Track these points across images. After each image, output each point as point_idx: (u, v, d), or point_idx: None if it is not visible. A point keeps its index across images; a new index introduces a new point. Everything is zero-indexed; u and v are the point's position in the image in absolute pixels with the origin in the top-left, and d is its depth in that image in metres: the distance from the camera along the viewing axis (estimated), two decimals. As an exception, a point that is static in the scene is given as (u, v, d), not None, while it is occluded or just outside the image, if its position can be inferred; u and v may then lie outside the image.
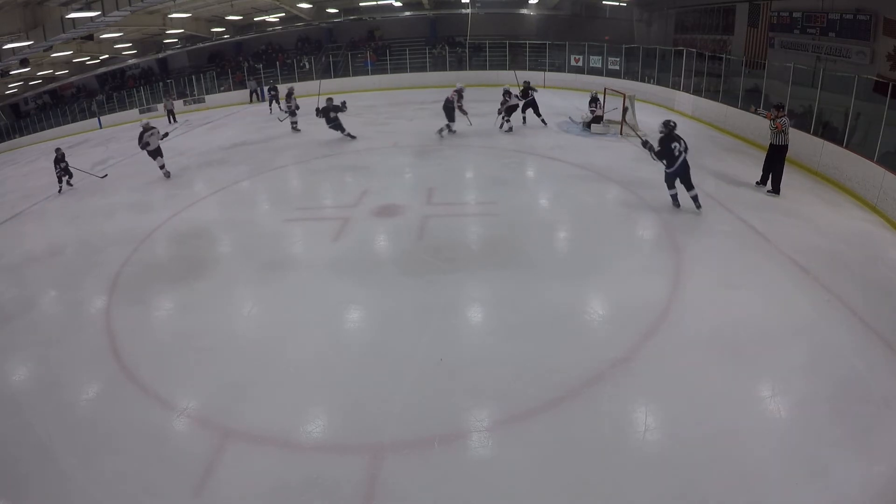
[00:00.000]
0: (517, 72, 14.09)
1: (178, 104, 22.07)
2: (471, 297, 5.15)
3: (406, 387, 3.91)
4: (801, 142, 8.80)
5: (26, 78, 23.31)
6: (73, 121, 24.47)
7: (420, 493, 3.08)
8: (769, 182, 7.52)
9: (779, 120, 7.22)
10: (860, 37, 10.10)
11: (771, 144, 7.43)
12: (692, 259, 5.54)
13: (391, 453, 3.35)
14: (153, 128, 10.30)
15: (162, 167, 10.40)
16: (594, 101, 11.80)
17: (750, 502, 2.91)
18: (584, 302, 4.94)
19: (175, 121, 18.69)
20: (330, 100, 11.46)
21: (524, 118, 12.18)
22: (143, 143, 10.07)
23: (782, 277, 5.16)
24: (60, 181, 10.60)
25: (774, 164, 7.43)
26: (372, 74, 21.22)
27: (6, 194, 11.32)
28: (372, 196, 7.95)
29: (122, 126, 21.52)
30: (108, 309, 5.43)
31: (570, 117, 12.79)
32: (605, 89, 12.44)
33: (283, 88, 19.46)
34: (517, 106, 11.80)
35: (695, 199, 6.77)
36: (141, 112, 23.01)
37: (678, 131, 6.88)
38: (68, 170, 10.67)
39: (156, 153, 10.26)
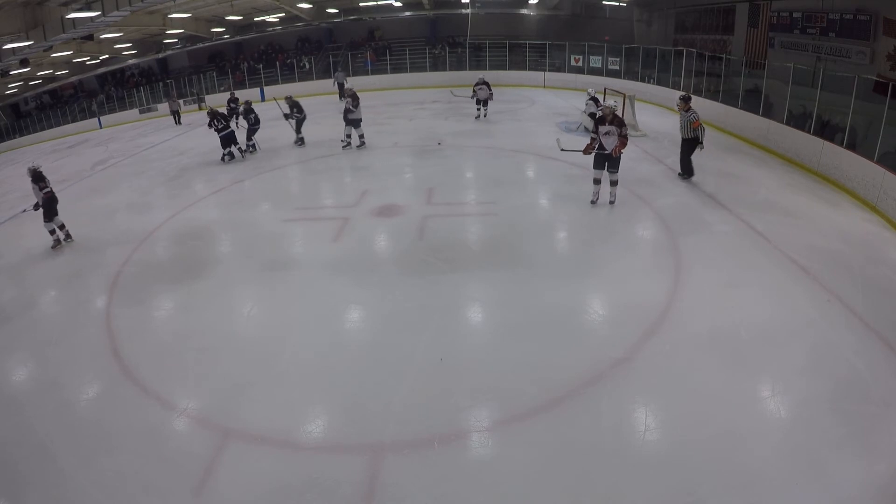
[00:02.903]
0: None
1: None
2: (470, 297, 5.15)
3: (406, 387, 3.91)
4: (801, 142, 8.81)
5: (26, 78, 23.32)
6: (73, 121, 24.48)
7: (420, 493, 3.08)
8: (684, 168, 8.06)
9: (692, 116, 7.59)
10: (860, 37, 10.10)
11: (684, 139, 7.88)
12: (692, 259, 5.54)
13: (391, 453, 3.35)
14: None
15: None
16: (593, 102, 11.30)
17: (750, 502, 2.91)
18: (584, 302, 4.94)
19: (180, 122, 18.55)
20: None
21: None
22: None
23: (782, 277, 5.16)
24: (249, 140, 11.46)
25: (688, 153, 7.93)
26: (372, 74, 21.23)
27: (6, 194, 11.30)
28: (372, 196, 7.95)
29: (122, 126, 21.54)
30: (108, 309, 5.43)
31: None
32: (605, 89, 12.44)
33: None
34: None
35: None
36: (141, 112, 23.02)
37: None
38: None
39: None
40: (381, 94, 19.25)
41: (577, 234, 6.54)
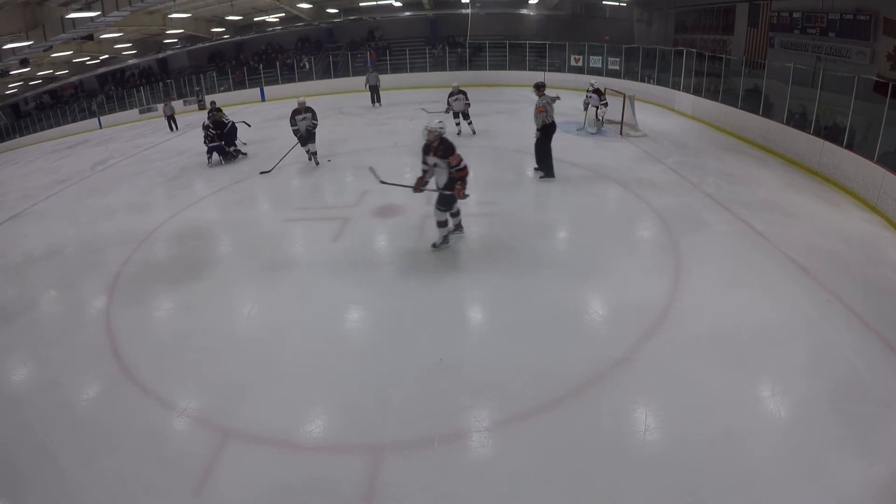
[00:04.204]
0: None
1: (177, 105, 21.97)
2: (471, 297, 5.15)
3: (406, 387, 3.91)
4: (801, 142, 8.81)
5: (26, 78, 23.35)
6: (73, 121, 24.52)
7: (420, 493, 3.08)
8: (541, 165, 8.22)
9: (538, 101, 7.78)
10: (860, 37, 10.10)
11: (538, 129, 7.95)
12: (692, 259, 5.54)
13: (391, 453, 3.35)
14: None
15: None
16: (596, 95, 11.35)
17: (750, 502, 2.91)
18: (584, 302, 4.94)
19: (176, 127, 17.57)
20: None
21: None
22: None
23: (782, 277, 5.16)
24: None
25: (542, 145, 8.00)
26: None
27: (6, 194, 11.32)
28: (372, 196, 7.94)
29: (122, 126, 21.55)
30: (108, 309, 5.43)
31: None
32: (605, 89, 12.43)
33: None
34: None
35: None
36: (141, 112, 23.04)
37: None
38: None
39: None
40: (382, 93, 19.22)
41: (577, 234, 6.54)
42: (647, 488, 3.02)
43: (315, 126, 9.72)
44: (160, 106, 21.27)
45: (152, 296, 5.61)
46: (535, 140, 8.08)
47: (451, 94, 11.45)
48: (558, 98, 8.86)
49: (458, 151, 5.47)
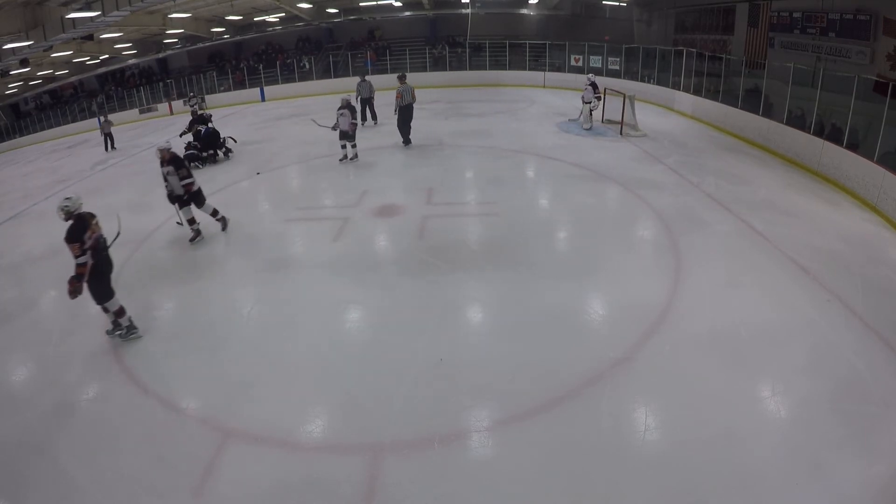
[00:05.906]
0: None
1: (177, 104, 21.97)
2: (471, 297, 5.15)
3: (406, 387, 3.91)
4: (801, 142, 8.82)
5: (26, 78, 23.36)
6: (73, 121, 24.50)
7: (420, 493, 3.08)
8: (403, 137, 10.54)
9: (399, 89, 10.00)
10: (860, 37, 10.10)
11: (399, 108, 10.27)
12: (692, 259, 5.54)
13: (391, 453, 3.35)
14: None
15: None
16: (591, 87, 11.44)
17: (750, 502, 2.91)
18: (584, 302, 4.94)
19: (113, 147, 14.92)
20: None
21: None
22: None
23: (782, 277, 5.16)
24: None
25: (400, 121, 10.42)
26: (372, 74, 21.18)
27: (6, 194, 11.32)
28: (372, 196, 7.95)
29: (122, 126, 21.53)
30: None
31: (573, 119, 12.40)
32: (604, 89, 12.44)
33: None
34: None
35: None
36: (141, 112, 23.03)
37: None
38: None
39: None
40: (381, 94, 19.19)
41: (577, 234, 6.54)
42: (647, 488, 3.02)
43: (191, 183, 6.62)
44: (159, 107, 21.23)
45: (152, 296, 5.61)
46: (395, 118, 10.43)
47: (338, 108, 9.66)
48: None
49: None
